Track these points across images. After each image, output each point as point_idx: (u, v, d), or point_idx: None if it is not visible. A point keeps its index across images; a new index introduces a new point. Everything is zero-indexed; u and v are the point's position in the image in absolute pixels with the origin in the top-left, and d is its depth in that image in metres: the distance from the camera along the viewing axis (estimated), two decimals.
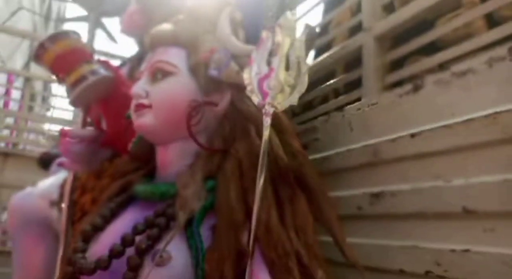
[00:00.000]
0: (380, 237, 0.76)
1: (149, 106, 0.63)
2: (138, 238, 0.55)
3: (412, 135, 0.72)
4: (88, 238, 0.60)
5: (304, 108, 1.21)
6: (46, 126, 4.33)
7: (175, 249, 0.53)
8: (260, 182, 0.45)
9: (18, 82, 4.98)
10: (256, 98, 0.48)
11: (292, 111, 1.18)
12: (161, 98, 0.63)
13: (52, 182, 1.02)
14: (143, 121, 0.63)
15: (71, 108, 4.14)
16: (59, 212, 0.96)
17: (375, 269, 0.75)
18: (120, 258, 0.54)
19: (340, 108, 0.94)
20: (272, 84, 0.47)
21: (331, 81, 1.09)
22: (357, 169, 0.83)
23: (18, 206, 1.00)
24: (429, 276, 0.65)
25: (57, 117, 4.00)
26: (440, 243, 0.65)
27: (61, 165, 0.78)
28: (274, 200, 0.57)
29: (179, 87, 0.63)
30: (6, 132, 3.32)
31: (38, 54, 0.71)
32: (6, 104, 4.63)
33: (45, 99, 5.86)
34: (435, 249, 0.65)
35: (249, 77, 0.48)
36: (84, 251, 0.58)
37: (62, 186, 0.98)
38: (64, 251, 0.73)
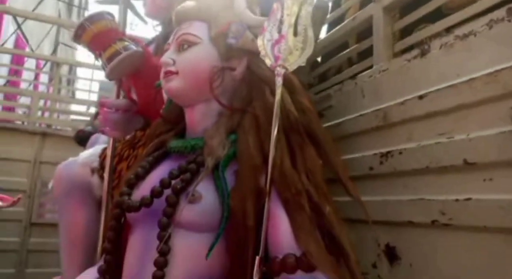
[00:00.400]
0: (390, 193, 0.82)
1: (176, 73, 0.71)
2: (173, 182, 0.64)
3: (420, 97, 0.76)
4: (132, 185, 0.70)
5: (320, 79, 1.26)
6: (73, 107, 4.53)
7: (205, 189, 0.62)
8: (274, 132, 0.53)
9: (45, 67, 5.20)
10: (269, 61, 0.55)
11: (308, 83, 1.23)
12: (186, 65, 0.71)
13: (92, 152, 1.13)
14: (171, 85, 0.71)
15: (95, 90, 4.32)
16: (99, 179, 1.06)
17: (386, 223, 0.81)
18: (160, 197, 0.63)
19: (353, 77, 0.99)
20: (283, 49, 0.54)
21: (345, 52, 1.13)
22: (369, 132, 0.88)
23: (63, 174, 1.12)
24: (435, 225, 0.70)
25: (87, 99, 4.17)
26: (445, 195, 0.70)
27: (102, 132, 0.88)
28: (287, 148, 0.65)
29: (202, 55, 0.71)
30: (39, 113, 3.49)
31: (77, 34, 0.80)
32: (35, 88, 4.84)
33: (70, 83, 6.08)
34: (440, 200, 0.70)
35: (262, 43, 0.55)
36: (129, 194, 0.68)
37: (101, 156, 1.09)
38: (107, 206, 0.83)
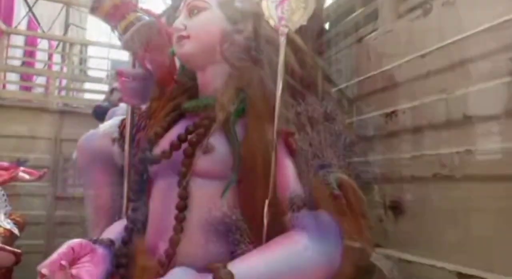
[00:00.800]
0: (394, 151, 0.85)
1: (188, 37, 0.75)
2: (189, 136, 0.70)
3: (423, 56, 0.78)
4: (152, 142, 0.77)
5: (328, 46, 1.27)
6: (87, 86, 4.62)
7: (217, 141, 0.68)
8: (279, 89, 0.57)
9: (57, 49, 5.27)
10: (273, 22, 0.59)
11: (316, 50, 1.25)
12: (196, 29, 0.75)
13: (111, 123, 1.19)
14: (184, 49, 0.76)
15: (106, 68, 4.39)
16: (120, 148, 1.13)
17: (391, 179, 0.85)
18: (178, 150, 0.70)
19: (359, 40, 1.01)
20: (286, 9, 0.57)
21: (351, 16, 1.15)
22: (374, 93, 0.91)
23: (85, 145, 1.18)
24: (437, 177, 0.74)
25: (103, 77, 4.22)
26: (445, 148, 0.73)
27: (122, 101, 0.94)
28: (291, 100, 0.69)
29: (211, 19, 0.75)
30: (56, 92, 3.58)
31: (94, 7, 0.85)
32: (49, 68, 4.92)
33: (82, 62, 6.14)
34: (441, 154, 0.73)
35: (266, 5, 0.59)
36: (150, 150, 0.75)
37: (120, 126, 1.14)
38: (129, 171, 0.90)
